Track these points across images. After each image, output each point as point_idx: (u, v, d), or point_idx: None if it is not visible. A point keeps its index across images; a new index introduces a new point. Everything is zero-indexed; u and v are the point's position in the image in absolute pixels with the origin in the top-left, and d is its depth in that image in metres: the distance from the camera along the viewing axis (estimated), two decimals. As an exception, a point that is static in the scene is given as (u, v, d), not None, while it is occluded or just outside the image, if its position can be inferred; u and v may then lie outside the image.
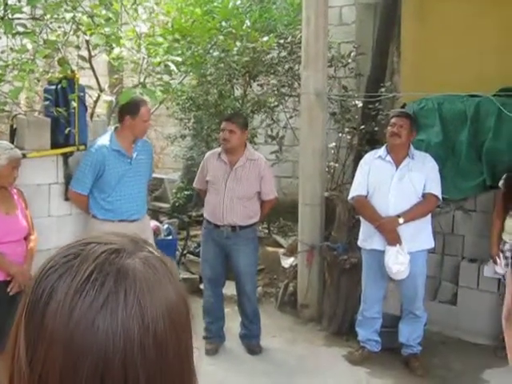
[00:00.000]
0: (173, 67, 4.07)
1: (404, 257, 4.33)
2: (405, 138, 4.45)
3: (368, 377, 4.57)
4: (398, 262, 4.33)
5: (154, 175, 8.54)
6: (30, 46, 3.40)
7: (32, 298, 0.74)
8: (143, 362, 0.70)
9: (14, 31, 3.36)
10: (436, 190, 4.45)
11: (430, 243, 4.57)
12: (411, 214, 4.39)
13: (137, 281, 0.73)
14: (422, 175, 4.44)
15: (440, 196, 4.48)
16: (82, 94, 4.38)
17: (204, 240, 4.95)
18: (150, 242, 0.85)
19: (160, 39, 4.43)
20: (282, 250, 6.60)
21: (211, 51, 5.71)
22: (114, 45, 3.89)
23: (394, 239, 4.37)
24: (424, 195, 4.45)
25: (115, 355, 0.69)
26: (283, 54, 6.33)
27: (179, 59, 4.20)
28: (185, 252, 6.52)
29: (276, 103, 6.65)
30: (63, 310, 0.70)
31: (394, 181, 4.45)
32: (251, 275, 4.94)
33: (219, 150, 4.84)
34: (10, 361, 0.74)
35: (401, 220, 4.37)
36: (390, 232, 4.39)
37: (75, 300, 0.71)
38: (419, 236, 4.46)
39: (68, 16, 3.91)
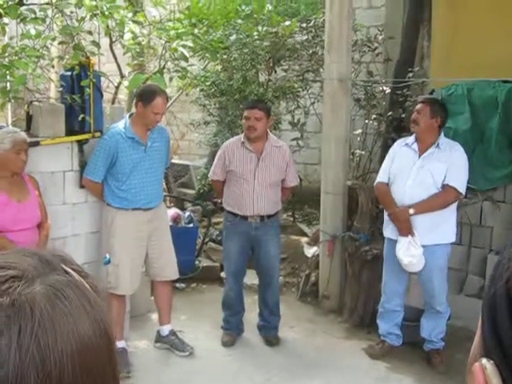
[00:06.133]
0: (185, 52, 3.97)
1: (416, 249, 4.17)
2: (424, 124, 4.26)
3: (388, 372, 4.45)
4: (409, 253, 4.19)
5: (180, 162, 8.55)
6: (33, 32, 3.35)
7: None
8: None
9: (21, 17, 3.31)
10: (456, 181, 4.20)
11: (449, 237, 4.32)
12: (423, 206, 4.21)
13: (36, 315, 0.60)
14: (443, 165, 4.22)
15: (461, 188, 4.22)
16: (96, 80, 4.30)
17: (228, 235, 4.77)
18: (72, 259, 0.71)
19: (172, 24, 4.32)
20: (305, 239, 6.50)
21: (230, 36, 5.58)
22: (119, 29, 3.79)
23: (404, 230, 4.22)
24: (444, 186, 4.26)
25: None
26: (306, 37, 6.16)
27: (190, 44, 4.09)
28: (206, 240, 6.46)
29: (300, 89, 6.49)
30: None
31: (414, 169, 4.28)
32: (278, 265, 4.92)
33: (239, 138, 4.72)
34: None
35: (411, 211, 4.20)
36: (400, 222, 4.24)
37: None
38: (438, 229, 4.25)
39: (87, 1, 3.85)
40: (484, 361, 0.63)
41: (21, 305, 0.60)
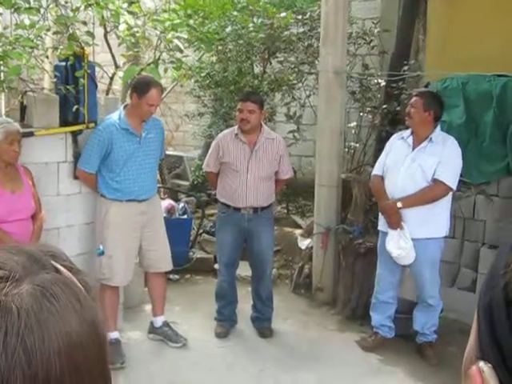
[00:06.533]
0: (179, 44, 3.96)
1: (405, 242, 4.19)
2: (417, 118, 4.26)
3: (380, 364, 4.47)
4: (398, 246, 4.21)
5: (174, 153, 8.53)
6: (27, 22, 3.33)
7: None
8: None
9: (15, 6, 3.28)
10: (446, 176, 4.18)
11: (440, 231, 4.31)
12: (411, 200, 4.22)
13: (22, 316, 0.59)
14: (434, 159, 4.20)
15: (451, 183, 4.20)
16: (90, 70, 4.28)
17: (221, 226, 4.81)
18: (64, 255, 0.70)
19: (167, 15, 4.30)
20: (299, 231, 6.51)
21: (226, 27, 5.57)
22: (114, 21, 3.78)
23: (393, 223, 4.25)
24: (434, 181, 4.26)
25: None
26: (302, 29, 6.15)
27: (185, 36, 4.08)
28: (200, 231, 6.46)
29: (295, 81, 6.49)
30: None
31: (406, 163, 4.29)
32: (271, 258, 4.93)
33: (233, 130, 4.72)
34: None
35: (399, 204, 4.22)
36: (389, 215, 4.27)
37: None
38: (429, 222, 4.24)
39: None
40: (481, 364, 0.63)
41: (7, 306, 0.59)
